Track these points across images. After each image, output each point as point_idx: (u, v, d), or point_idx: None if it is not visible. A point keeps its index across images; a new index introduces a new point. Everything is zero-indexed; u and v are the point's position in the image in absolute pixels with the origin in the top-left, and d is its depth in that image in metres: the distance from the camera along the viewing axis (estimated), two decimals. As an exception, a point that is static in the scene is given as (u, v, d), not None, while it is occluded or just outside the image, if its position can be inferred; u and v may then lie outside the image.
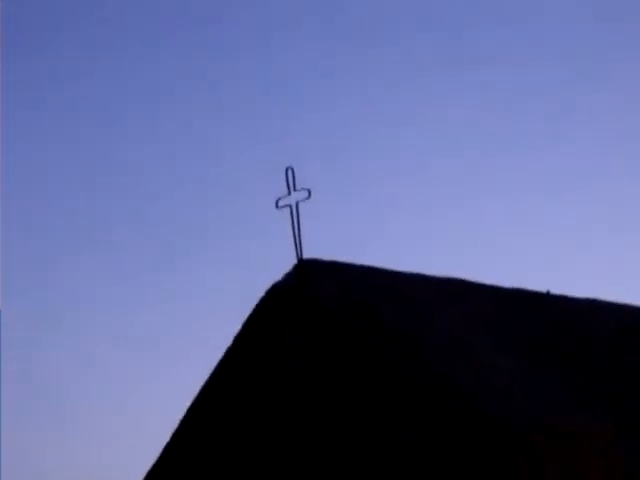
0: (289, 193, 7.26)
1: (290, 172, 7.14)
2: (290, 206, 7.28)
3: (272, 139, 20.58)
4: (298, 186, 7.26)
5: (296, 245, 7.33)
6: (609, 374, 8.40)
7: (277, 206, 7.27)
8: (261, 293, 7.46)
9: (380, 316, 6.86)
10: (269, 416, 7.22)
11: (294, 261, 7.45)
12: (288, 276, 7.41)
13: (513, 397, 6.47)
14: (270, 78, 23.64)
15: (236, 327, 7.52)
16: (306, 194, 7.09)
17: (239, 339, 7.50)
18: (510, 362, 7.13)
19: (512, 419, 5.98)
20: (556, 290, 9.44)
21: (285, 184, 7.30)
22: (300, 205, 7.28)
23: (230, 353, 7.60)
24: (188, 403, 8.05)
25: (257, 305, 7.39)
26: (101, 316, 21.68)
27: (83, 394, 18.57)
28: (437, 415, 6.12)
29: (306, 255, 7.46)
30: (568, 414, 6.41)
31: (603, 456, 6.07)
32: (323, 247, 7.86)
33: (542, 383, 6.91)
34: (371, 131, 22.72)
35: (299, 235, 7.31)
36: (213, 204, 22.98)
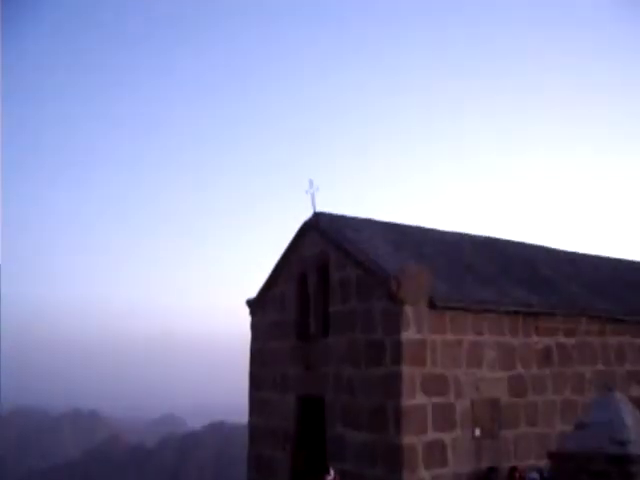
0: (310, 187, 17.37)
1: (311, 182, 17.22)
2: (312, 193, 17.44)
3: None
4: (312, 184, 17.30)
5: (313, 207, 17.41)
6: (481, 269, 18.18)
7: (306, 192, 17.48)
8: (299, 224, 17.80)
9: (345, 235, 16.97)
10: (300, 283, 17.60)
11: (312, 213, 17.55)
12: (310, 218, 17.56)
13: (393, 264, 16.17)
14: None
15: (289, 239, 18.03)
16: (316, 187, 17.24)
17: (292, 242, 18.00)
18: (403, 255, 17.10)
19: (392, 271, 15.82)
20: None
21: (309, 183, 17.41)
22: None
23: (289, 247, 18.10)
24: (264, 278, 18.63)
25: (299, 229, 17.78)
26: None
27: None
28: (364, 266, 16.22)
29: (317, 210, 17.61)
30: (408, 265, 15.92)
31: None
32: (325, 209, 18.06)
33: (404, 259, 16.71)
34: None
35: (314, 204, 17.37)
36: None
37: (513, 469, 14.82)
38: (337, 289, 16.02)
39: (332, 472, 9.28)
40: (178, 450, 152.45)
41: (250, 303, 19.45)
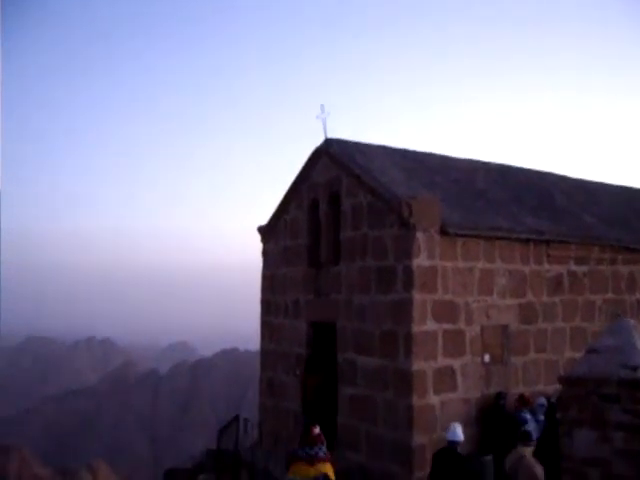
0: (322, 112, 17.14)
1: (323, 108, 17.00)
2: (323, 118, 17.20)
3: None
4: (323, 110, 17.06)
5: (325, 133, 17.17)
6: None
7: (318, 117, 17.26)
8: (310, 150, 17.66)
9: (356, 161, 16.86)
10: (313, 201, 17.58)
11: (323, 139, 17.35)
12: (322, 144, 17.35)
13: (405, 190, 16.12)
14: None
15: (300, 165, 17.90)
16: (328, 113, 17.02)
17: (303, 169, 17.86)
18: (415, 182, 17.01)
19: (404, 197, 15.75)
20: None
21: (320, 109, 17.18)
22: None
23: (300, 173, 17.99)
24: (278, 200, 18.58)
25: (310, 155, 17.63)
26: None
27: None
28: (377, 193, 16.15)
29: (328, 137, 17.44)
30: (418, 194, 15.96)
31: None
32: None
33: (418, 189, 16.66)
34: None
35: (325, 130, 17.17)
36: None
37: (521, 396, 14.95)
38: (348, 216, 15.96)
39: (317, 427, 9.44)
40: (190, 376, 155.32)
41: (261, 230, 19.45)
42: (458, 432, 11.75)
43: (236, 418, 16.03)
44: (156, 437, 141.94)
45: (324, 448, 9.27)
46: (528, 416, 14.42)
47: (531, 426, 14.30)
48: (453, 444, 11.64)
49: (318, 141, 17.24)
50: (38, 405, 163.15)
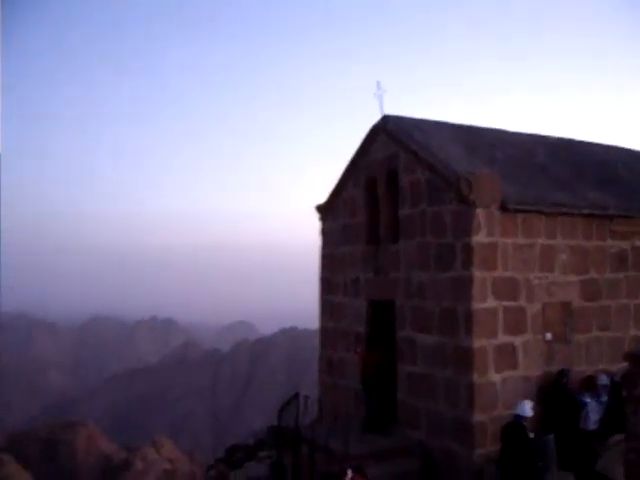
0: (379, 89, 17.00)
1: (379, 84, 16.87)
2: (380, 95, 17.06)
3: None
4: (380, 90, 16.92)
5: (381, 110, 17.02)
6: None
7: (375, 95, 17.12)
8: (368, 128, 17.56)
9: (414, 138, 16.69)
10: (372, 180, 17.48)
11: (380, 116, 17.18)
12: (379, 121, 17.17)
13: (464, 166, 15.92)
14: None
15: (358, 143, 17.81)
16: (384, 89, 16.88)
17: (361, 146, 17.78)
18: (474, 157, 16.77)
19: (463, 173, 15.57)
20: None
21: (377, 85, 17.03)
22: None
23: (358, 151, 17.91)
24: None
25: (368, 132, 17.53)
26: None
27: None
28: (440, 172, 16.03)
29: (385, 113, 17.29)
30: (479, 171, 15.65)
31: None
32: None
33: (476, 165, 16.42)
34: None
35: (382, 107, 17.02)
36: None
37: (588, 378, 14.74)
38: (407, 193, 15.87)
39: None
40: (250, 354, 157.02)
41: (320, 209, 19.47)
42: (527, 408, 11.69)
43: (296, 395, 16.12)
44: (217, 414, 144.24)
45: None
46: (588, 399, 14.25)
47: (592, 408, 14.16)
48: (520, 419, 11.57)
49: (375, 118, 17.15)
50: (103, 384, 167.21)
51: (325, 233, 19.39)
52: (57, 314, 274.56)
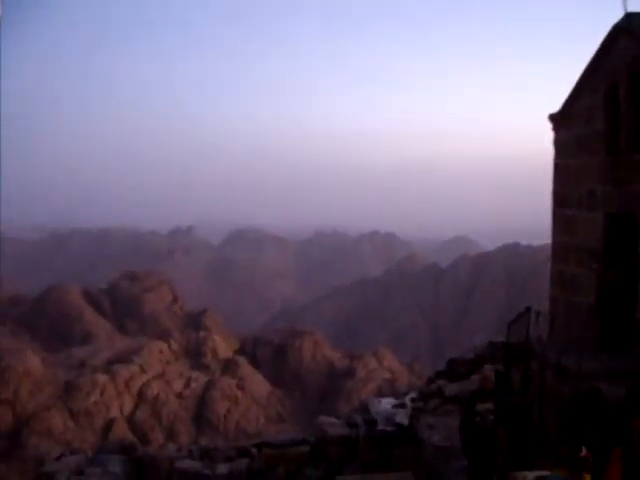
0: None
1: None
2: None
3: None
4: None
5: (625, 8, 15.56)
6: None
7: None
8: (607, 29, 16.21)
9: None
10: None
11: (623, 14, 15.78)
12: (621, 20, 15.73)
13: None
14: None
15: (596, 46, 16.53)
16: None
17: (600, 49, 16.50)
18: None
19: None
20: None
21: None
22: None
23: (596, 55, 16.66)
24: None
25: (608, 33, 16.21)
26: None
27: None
28: None
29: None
30: None
31: None
32: None
33: None
34: None
35: (625, 4, 15.51)
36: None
37: None
38: (652, 98, 14.64)
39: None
40: (470, 270, 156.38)
41: (553, 118, 18.51)
42: None
43: (527, 310, 15.77)
44: (437, 327, 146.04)
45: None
46: None
47: None
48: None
49: (617, 17, 15.83)
50: (327, 294, 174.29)
51: (558, 143, 18.46)
52: (285, 228, 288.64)
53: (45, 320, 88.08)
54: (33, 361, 66.60)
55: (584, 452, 8.96)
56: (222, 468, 16.31)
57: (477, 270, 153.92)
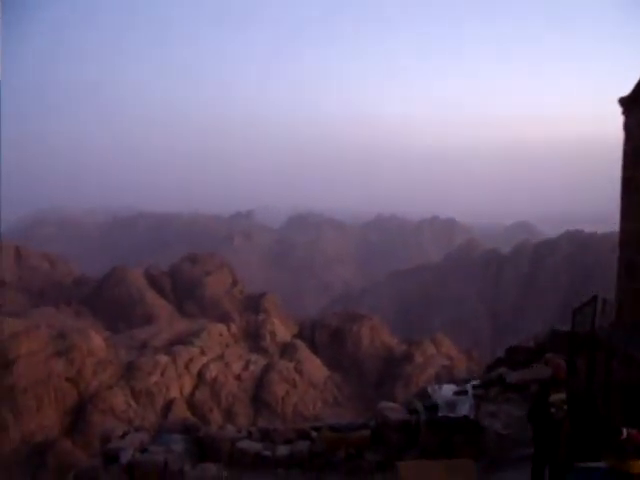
0: None
1: None
2: None
3: None
4: None
5: None
6: None
7: None
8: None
9: None
10: None
11: None
12: None
13: None
14: None
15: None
16: None
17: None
18: None
19: None
20: None
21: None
22: None
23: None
24: None
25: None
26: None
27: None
28: None
29: None
30: None
31: None
32: None
33: None
34: None
35: None
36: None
37: None
38: None
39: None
40: (532, 256, 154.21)
41: (623, 101, 17.97)
42: None
43: (594, 298, 15.40)
44: (497, 314, 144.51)
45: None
46: None
47: None
48: None
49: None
50: (387, 279, 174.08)
51: (629, 127, 17.92)
52: (345, 212, 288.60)
53: (108, 301, 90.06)
54: (96, 341, 68.06)
55: (624, 434, 8.70)
56: (283, 450, 16.37)
57: (539, 257, 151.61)
